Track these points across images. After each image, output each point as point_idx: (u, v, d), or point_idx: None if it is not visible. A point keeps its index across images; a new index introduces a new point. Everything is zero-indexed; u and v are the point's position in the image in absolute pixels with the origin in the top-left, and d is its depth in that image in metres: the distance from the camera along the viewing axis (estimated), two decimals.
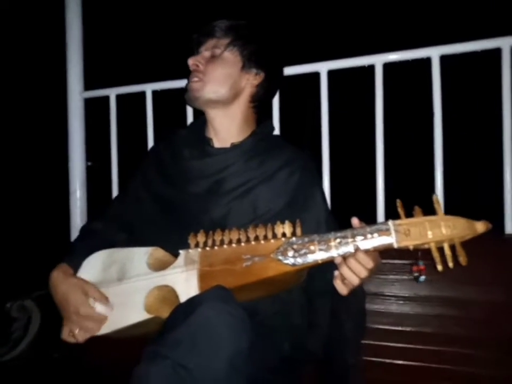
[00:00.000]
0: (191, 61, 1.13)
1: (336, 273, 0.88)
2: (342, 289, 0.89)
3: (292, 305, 1.08)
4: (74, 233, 1.83)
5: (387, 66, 1.46)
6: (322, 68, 1.53)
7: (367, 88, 1.46)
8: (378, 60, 1.46)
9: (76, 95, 1.88)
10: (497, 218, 1.34)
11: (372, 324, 1.25)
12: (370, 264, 0.84)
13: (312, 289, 1.06)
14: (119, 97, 1.83)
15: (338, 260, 0.86)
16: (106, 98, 1.84)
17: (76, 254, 1.09)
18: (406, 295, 1.27)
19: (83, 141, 1.89)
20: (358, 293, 1.06)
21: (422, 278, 0.85)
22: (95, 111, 1.98)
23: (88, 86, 1.90)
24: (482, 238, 1.24)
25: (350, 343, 1.06)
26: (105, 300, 0.99)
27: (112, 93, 1.83)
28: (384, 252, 1.15)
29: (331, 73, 1.52)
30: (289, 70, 1.55)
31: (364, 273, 0.85)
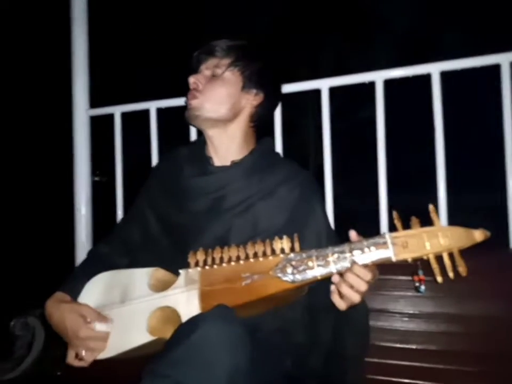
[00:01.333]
0: (192, 79, 1.14)
1: (332, 287, 0.88)
2: (340, 304, 0.88)
3: (294, 323, 1.07)
4: (79, 250, 1.84)
5: (388, 83, 1.47)
6: (324, 84, 1.54)
7: (372, 103, 1.47)
8: (378, 76, 1.47)
9: (82, 113, 1.90)
10: (501, 233, 1.34)
11: (376, 341, 1.24)
12: (368, 276, 0.83)
13: (314, 305, 1.05)
14: (124, 115, 1.86)
15: (336, 279, 0.86)
16: (112, 116, 1.87)
17: (73, 280, 1.10)
18: (411, 311, 1.26)
19: (88, 158, 1.91)
20: (361, 309, 1.05)
21: (422, 288, 0.84)
22: (100, 128, 2.00)
23: (94, 103, 1.93)
24: (487, 254, 1.24)
25: (353, 360, 1.05)
26: (102, 318, 0.99)
27: (117, 110, 1.85)
28: (388, 268, 1.15)
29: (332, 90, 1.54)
30: (290, 87, 1.57)
31: (362, 287, 0.84)
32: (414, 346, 1.24)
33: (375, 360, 1.23)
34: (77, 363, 1.00)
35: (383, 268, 0.88)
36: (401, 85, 1.57)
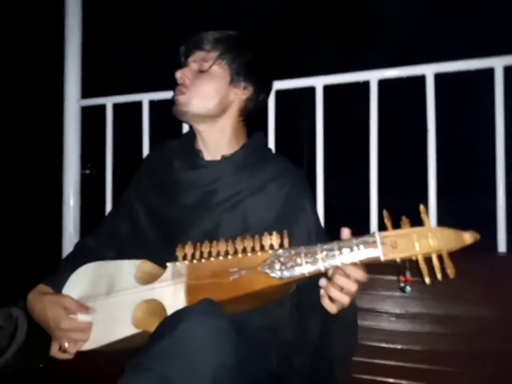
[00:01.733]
0: (179, 74, 1.12)
1: (322, 292, 0.87)
2: (332, 308, 0.87)
3: (282, 320, 1.07)
4: (67, 242, 1.82)
5: (382, 83, 1.47)
6: (318, 82, 1.53)
7: (365, 102, 1.47)
8: (373, 76, 1.47)
9: (73, 103, 1.87)
10: (490, 237, 1.34)
11: (363, 341, 1.24)
12: (357, 273, 0.82)
13: (302, 303, 1.04)
14: (116, 106, 1.84)
15: (323, 283, 0.85)
16: (103, 107, 1.84)
17: (57, 273, 1.09)
18: (398, 311, 1.26)
19: (78, 149, 1.88)
20: (350, 308, 1.05)
21: (408, 289, 0.83)
22: (91, 119, 1.98)
23: (85, 94, 1.91)
24: (476, 257, 1.25)
25: (340, 359, 1.04)
26: (83, 308, 0.98)
27: (109, 101, 1.83)
28: (377, 268, 1.14)
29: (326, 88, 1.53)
30: (285, 84, 1.56)
31: (352, 287, 0.83)
32: (399, 346, 1.24)
33: (362, 359, 1.23)
34: (60, 355, 0.98)
35: (370, 267, 0.87)
36: (396, 86, 1.58)
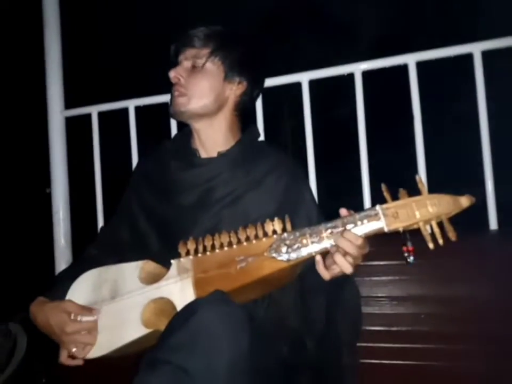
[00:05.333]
0: (172, 73, 1.12)
1: (317, 257, 0.88)
2: (325, 274, 0.88)
3: (288, 309, 1.07)
4: (58, 254, 1.79)
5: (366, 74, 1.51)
6: (304, 77, 1.56)
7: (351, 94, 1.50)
8: (357, 68, 1.50)
9: (57, 114, 1.85)
10: (481, 215, 1.38)
11: (367, 326, 1.25)
12: (358, 240, 0.83)
13: (305, 288, 1.05)
14: (101, 115, 1.82)
15: (332, 249, 0.86)
16: (88, 116, 1.83)
17: (57, 283, 1.08)
18: (399, 295, 1.28)
19: (65, 160, 1.86)
20: (353, 292, 1.06)
21: (411, 258, 0.86)
22: (76, 130, 1.96)
23: (68, 104, 1.89)
24: (469, 236, 1.28)
25: (346, 343, 1.05)
26: (86, 310, 0.96)
27: (94, 110, 1.82)
28: (377, 253, 1.16)
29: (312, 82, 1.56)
30: (271, 81, 1.58)
31: (354, 251, 0.83)
32: (404, 329, 1.25)
33: (368, 344, 1.25)
34: (70, 362, 0.96)
35: (370, 253, 0.89)
36: (380, 78, 1.61)
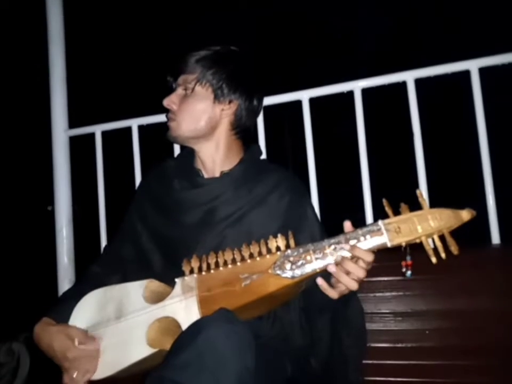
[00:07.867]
0: (165, 102, 1.15)
1: (320, 282, 0.88)
2: (332, 294, 0.89)
3: (291, 326, 1.07)
4: (62, 272, 1.79)
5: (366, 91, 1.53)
6: (304, 95, 1.59)
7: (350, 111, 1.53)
8: (356, 86, 1.53)
9: (61, 133, 1.88)
10: (483, 230, 1.38)
11: (373, 343, 1.25)
12: (369, 256, 0.84)
13: (310, 306, 1.05)
14: (105, 134, 1.85)
15: (332, 268, 0.86)
16: (92, 136, 1.85)
17: (61, 303, 1.08)
18: (404, 311, 1.27)
19: (68, 179, 1.88)
20: (356, 309, 1.06)
21: (409, 273, 0.88)
22: (80, 149, 1.98)
23: (72, 123, 1.91)
24: (471, 251, 1.28)
25: (351, 361, 1.05)
26: (90, 339, 0.97)
27: (98, 129, 1.84)
28: (380, 269, 1.17)
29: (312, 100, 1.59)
30: (271, 100, 1.60)
31: (360, 272, 0.85)
32: (409, 345, 1.25)
33: (372, 361, 1.24)
34: (73, 383, 0.96)
35: (373, 269, 0.90)
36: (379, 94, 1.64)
